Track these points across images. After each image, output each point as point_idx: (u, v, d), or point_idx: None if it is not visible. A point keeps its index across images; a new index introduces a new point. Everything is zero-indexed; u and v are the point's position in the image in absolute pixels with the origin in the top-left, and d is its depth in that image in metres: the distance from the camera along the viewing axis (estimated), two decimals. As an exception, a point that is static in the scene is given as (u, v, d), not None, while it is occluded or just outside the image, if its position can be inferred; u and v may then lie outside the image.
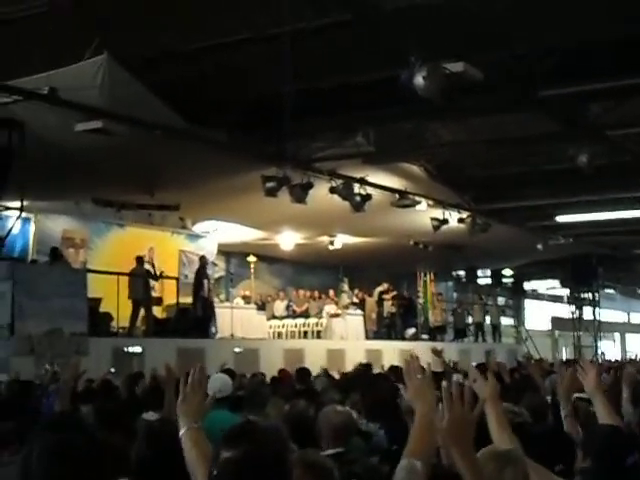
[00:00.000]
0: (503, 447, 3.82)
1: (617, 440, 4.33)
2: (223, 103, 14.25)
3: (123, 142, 13.23)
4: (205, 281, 20.75)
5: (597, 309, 38.03)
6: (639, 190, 20.74)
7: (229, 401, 7.65)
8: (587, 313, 38.07)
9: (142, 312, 19.34)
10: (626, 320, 47.82)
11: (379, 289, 27.53)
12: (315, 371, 14.54)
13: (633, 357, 25.40)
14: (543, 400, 7.33)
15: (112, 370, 12.95)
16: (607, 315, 41.15)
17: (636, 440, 4.42)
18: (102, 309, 18.33)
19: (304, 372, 12.64)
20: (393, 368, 14.71)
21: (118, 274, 19.00)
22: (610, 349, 41.26)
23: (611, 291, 43.08)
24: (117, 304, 18.59)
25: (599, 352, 36.09)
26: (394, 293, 27.69)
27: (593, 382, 5.00)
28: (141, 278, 19.36)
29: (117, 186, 17.55)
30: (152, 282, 20.14)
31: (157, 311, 20.79)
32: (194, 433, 3.84)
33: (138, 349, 17.41)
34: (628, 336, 47.60)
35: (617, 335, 46.91)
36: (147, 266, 19.73)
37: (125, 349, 17.34)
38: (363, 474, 4.06)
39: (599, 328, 38.37)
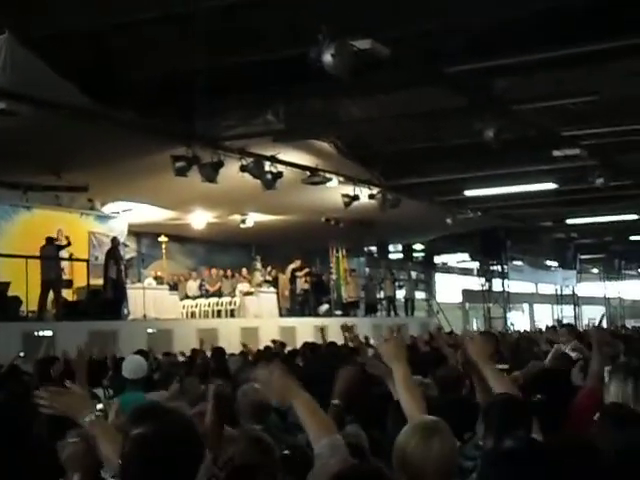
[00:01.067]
0: (426, 418, 3.87)
1: (509, 411, 4.41)
2: (131, 82, 14.05)
3: (28, 123, 12.98)
4: (117, 262, 20.52)
5: (506, 281, 38.80)
6: (545, 163, 21.11)
7: (144, 382, 7.62)
8: (496, 285, 38.82)
9: (52, 295, 19.06)
10: (534, 291, 48.86)
11: (292, 266, 27.60)
12: (230, 350, 14.54)
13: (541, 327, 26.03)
14: (453, 372, 7.42)
15: (21, 354, 12.70)
16: (516, 287, 42.00)
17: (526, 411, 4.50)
18: (10, 293, 18.01)
19: (219, 351, 12.64)
20: (306, 344, 14.83)
21: (27, 257, 18.67)
22: (519, 320, 42.13)
23: (519, 263, 43.94)
24: (26, 288, 18.30)
25: (509, 323, 36.90)
26: (307, 270, 27.78)
27: (478, 352, 5.03)
28: (52, 260, 19.05)
29: (23, 168, 17.24)
30: (62, 264, 19.87)
31: (67, 294, 20.50)
32: (97, 421, 3.79)
33: (49, 333, 17.15)
34: (536, 306, 48.69)
35: (526, 306, 47.92)
36: (58, 243, 19.50)
37: (35, 333, 17.05)
38: (293, 451, 4.10)
39: (508, 299, 39.18)
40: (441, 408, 4.61)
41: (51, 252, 19.24)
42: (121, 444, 3.04)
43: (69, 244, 19.81)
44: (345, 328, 12.79)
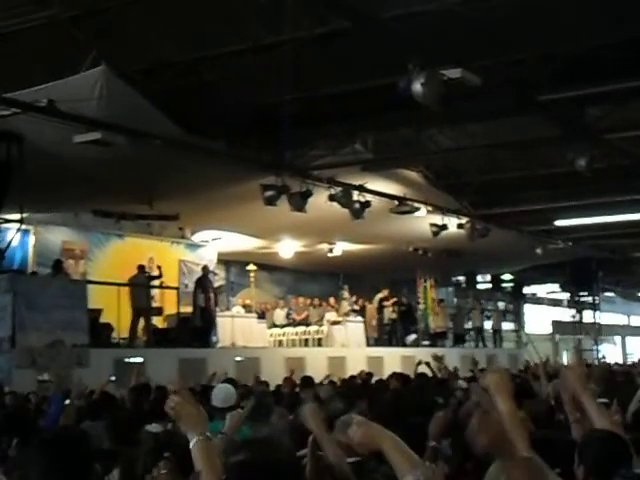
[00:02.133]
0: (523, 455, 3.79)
1: (610, 448, 4.27)
2: (221, 113, 14.23)
3: (121, 153, 13.21)
4: (205, 290, 20.70)
5: (597, 312, 38.05)
6: (637, 193, 20.74)
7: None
8: (587, 316, 38.09)
9: (142, 322, 19.33)
10: (626, 323, 47.81)
11: (379, 296, 27.50)
12: (317, 379, 14.50)
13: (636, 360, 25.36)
14: (544, 405, 7.27)
15: (112, 379, 12.87)
16: (607, 318, 41.15)
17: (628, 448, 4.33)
18: (102, 320, 18.31)
19: (308, 380, 12.61)
20: (394, 374, 14.71)
21: (119, 285, 19.00)
22: (611, 352, 41.24)
23: (611, 294, 43.08)
24: (117, 315, 18.59)
25: (600, 355, 36.12)
26: (394, 299, 27.65)
27: (578, 378, 4.83)
28: (142, 287, 19.36)
29: (116, 197, 17.55)
30: (153, 292, 20.17)
31: (157, 321, 20.77)
32: (202, 444, 3.82)
33: (139, 359, 17.37)
34: (629, 339, 47.61)
35: (618, 338, 46.91)
36: (149, 271, 19.83)
37: (126, 359, 17.29)
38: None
39: (599, 331, 38.38)
40: (535, 443, 4.51)
41: (142, 280, 19.56)
42: (219, 471, 3.05)
43: (161, 275, 20.13)
44: (435, 358, 12.68)
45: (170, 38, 11.96)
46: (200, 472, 3.73)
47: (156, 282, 20.38)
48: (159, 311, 20.94)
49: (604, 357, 35.19)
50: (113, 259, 22.20)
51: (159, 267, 20.19)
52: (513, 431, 4.16)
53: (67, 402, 7.32)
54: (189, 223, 22.77)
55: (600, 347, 38.02)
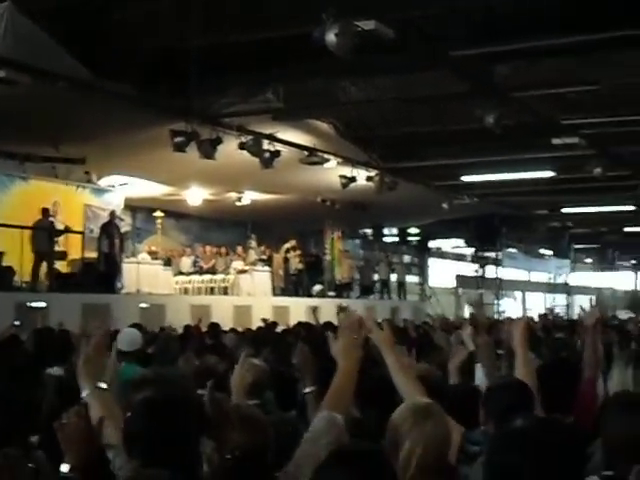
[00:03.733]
0: (420, 400, 3.86)
1: (512, 395, 4.42)
2: (131, 55, 13.99)
3: (26, 93, 12.91)
4: (110, 236, 20.45)
5: (499, 268, 38.85)
6: (543, 151, 21.11)
7: (138, 356, 7.62)
8: (490, 272, 38.88)
9: (45, 267, 19.03)
10: (527, 278, 48.94)
11: (286, 246, 27.57)
12: (223, 328, 14.55)
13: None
14: (444, 355, 7.45)
15: (16, 323, 12.70)
16: (509, 274, 42.04)
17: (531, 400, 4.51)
18: (4, 263, 17.99)
19: (215, 328, 12.63)
20: (301, 324, 14.86)
21: (22, 227, 18.63)
22: (511, 307, 42.21)
23: (513, 250, 43.98)
24: (20, 258, 18.28)
25: (500, 309, 36.99)
26: (300, 251, 27.76)
27: (521, 336, 5.13)
28: (45, 232, 19.02)
29: (21, 138, 17.18)
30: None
31: (61, 266, 20.47)
32: (100, 393, 3.81)
33: (42, 304, 17.12)
34: (528, 294, 48.76)
35: (518, 293, 48.00)
36: (53, 215, 19.49)
37: (28, 304, 17.02)
38: (279, 424, 4.09)
39: (501, 286, 39.25)
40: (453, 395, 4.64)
41: (46, 225, 19.21)
42: (118, 418, 3.05)
43: (66, 230, 19.87)
44: (340, 309, 12.84)
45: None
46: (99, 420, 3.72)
47: (60, 226, 20.04)
48: (63, 255, 20.61)
49: (504, 311, 36.02)
50: (16, 202, 21.69)
51: (67, 228, 19.92)
52: (400, 377, 4.24)
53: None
54: (96, 167, 22.38)
55: (501, 302, 38.89)
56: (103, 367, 3.97)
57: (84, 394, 3.82)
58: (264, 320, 17.44)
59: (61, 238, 20.52)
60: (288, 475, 3.34)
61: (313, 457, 3.32)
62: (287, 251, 27.48)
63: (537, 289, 49.08)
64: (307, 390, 4.75)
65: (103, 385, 3.84)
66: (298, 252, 27.65)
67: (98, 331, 4.07)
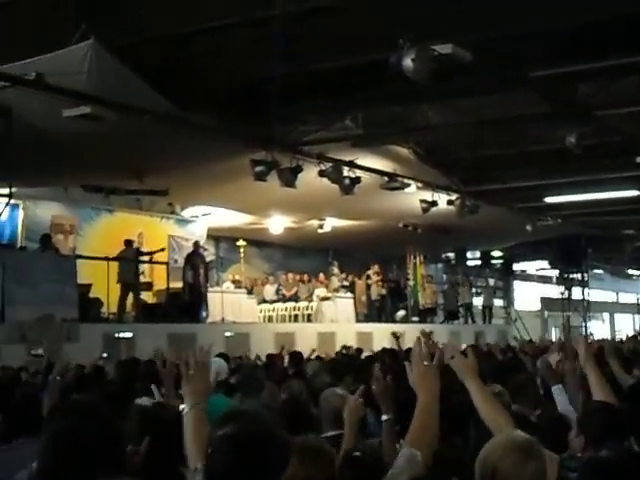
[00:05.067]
0: (518, 435, 3.75)
1: (611, 420, 4.34)
2: (212, 87, 14.17)
3: (111, 128, 13.15)
4: (194, 266, 20.68)
5: (586, 289, 38.18)
6: (627, 170, 20.77)
7: (225, 385, 7.67)
8: (576, 293, 38.24)
9: (131, 298, 19.33)
10: (615, 300, 47.99)
11: (369, 272, 27.55)
12: (306, 355, 14.56)
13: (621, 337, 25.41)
14: (529, 379, 7.31)
15: (104, 355, 12.92)
16: (596, 295, 41.28)
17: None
18: (92, 295, 18.32)
19: (297, 355, 12.64)
20: (385, 350, 14.78)
21: (108, 259, 18.97)
22: (599, 329, 41.44)
23: (600, 271, 43.21)
24: (107, 289, 18.60)
25: (588, 332, 36.28)
26: (381, 276, 27.71)
27: (585, 354, 5.04)
28: (130, 262, 19.34)
29: (106, 172, 17.49)
30: (142, 267, 20.17)
31: (147, 296, 20.77)
32: (197, 413, 3.85)
33: (129, 334, 17.39)
34: (617, 316, 47.81)
35: (606, 315, 47.10)
36: (138, 246, 19.88)
37: (116, 334, 17.31)
38: (365, 453, 4.07)
39: (588, 308, 38.54)
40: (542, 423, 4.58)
41: (130, 255, 19.54)
42: (204, 442, 3.06)
43: (155, 252, 20.23)
44: (424, 334, 12.71)
45: (161, 11, 11.85)
46: (186, 439, 3.76)
47: (145, 257, 20.38)
48: (148, 286, 20.94)
49: (592, 334, 35.35)
50: (102, 234, 22.16)
51: (152, 258, 20.28)
52: (486, 406, 4.17)
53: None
54: (179, 198, 22.72)
55: (588, 324, 38.19)
56: (206, 386, 4.02)
57: (184, 412, 3.87)
58: (345, 347, 17.41)
59: (146, 269, 20.86)
60: None
61: None
62: (368, 277, 27.46)
63: (625, 310, 48.08)
64: (384, 418, 4.73)
65: (203, 405, 3.89)
66: (380, 277, 27.60)
67: (201, 352, 4.14)
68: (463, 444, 4.99)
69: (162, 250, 21.47)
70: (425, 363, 3.85)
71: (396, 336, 12.75)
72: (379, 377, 5.00)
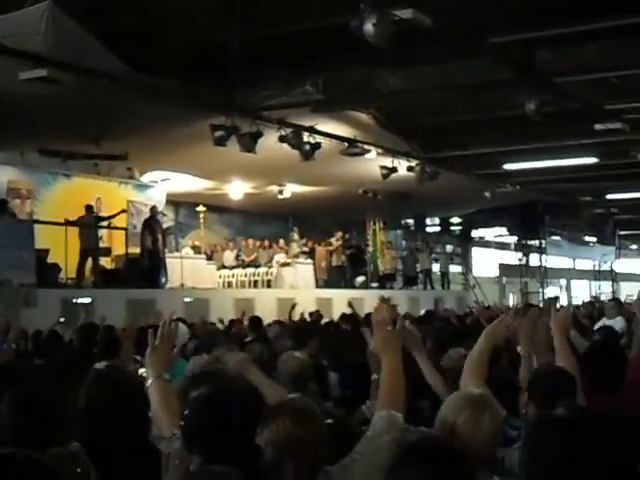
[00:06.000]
0: (472, 392, 3.83)
1: (556, 382, 4.41)
2: (170, 51, 14.05)
3: (68, 91, 12.99)
4: (153, 232, 20.57)
5: (543, 256, 38.55)
6: (586, 137, 20.90)
7: (184, 350, 7.66)
8: (534, 260, 38.59)
9: (90, 263, 19.19)
10: (572, 266, 48.53)
11: (332, 240, 27.59)
12: (266, 320, 14.57)
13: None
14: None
15: (61, 320, 12.83)
16: (553, 262, 41.72)
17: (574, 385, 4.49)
18: (50, 260, 18.17)
19: (257, 320, 12.66)
20: (344, 316, 14.84)
21: (67, 224, 18.80)
22: (556, 295, 41.89)
23: (557, 238, 43.62)
24: (65, 255, 18.46)
25: (545, 298, 36.66)
26: (341, 243, 27.75)
27: (562, 323, 5.10)
28: (90, 228, 19.18)
29: (63, 136, 17.32)
30: (100, 232, 20.03)
31: (105, 262, 20.65)
32: (162, 383, 3.86)
33: (87, 300, 17.28)
34: (574, 282, 48.37)
35: (563, 281, 47.63)
36: (97, 212, 19.73)
37: (74, 300, 17.19)
38: (335, 421, 4.12)
39: (546, 274, 38.94)
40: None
41: (90, 220, 19.38)
42: (177, 412, 3.08)
43: (113, 216, 20.09)
44: (383, 300, 12.76)
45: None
46: (155, 410, 3.76)
47: (104, 222, 20.23)
48: (107, 252, 20.79)
49: (558, 298, 35.70)
50: (60, 199, 21.95)
51: (110, 223, 20.21)
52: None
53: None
54: (138, 163, 22.55)
55: (546, 290, 38.60)
56: (170, 358, 4.03)
57: (148, 382, 3.88)
58: (310, 314, 17.47)
59: (105, 234, 20.71)
60: (345, 468, 3.33)
61: (374, 454, 3.35)
62: (330, 244, 27.50)
63: (582, 277, 48.65)
64: (374, 377, 4.78)
65: (167, 376, 3.90)
66: (342, 243, 27.66)
67: (167, 322, 4.14)
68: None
69: (124, 212, 21.34)
70: (389, 328, 3.88)
71: (384, 299, 12.79)
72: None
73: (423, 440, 3.35)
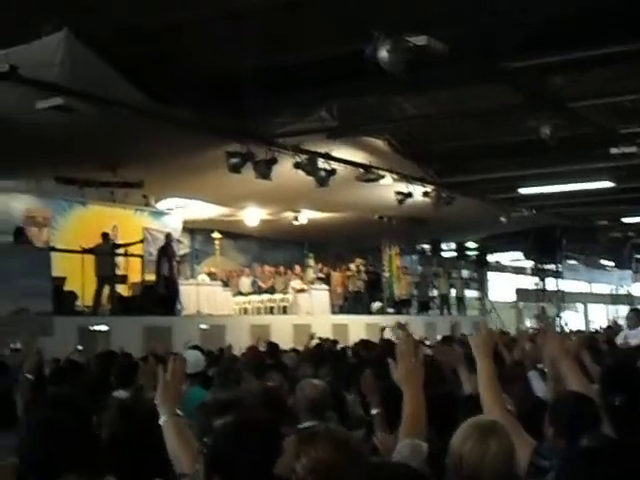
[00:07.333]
0: (482, 418, 3.82)
1: (581, 410, 4.35)
2: (187, 80, 14.12)
3: (85, 119, 13.06)
4: (169, 259, 20.62)
5: (560, 280, 38.39)
6: (601, 161, 20.87)
7: (201, 378, 7.65)
8: (550, 284, 38.43)
9: (107, 290, 19.24)
10: (588, 290, 48.29)
11: (352, 266, 27.62)
12: (283, 347, 14.54)
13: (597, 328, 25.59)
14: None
15: (79, 348, 12.87)
16: (570, 286, 41.53)
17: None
18: (66, 288, 18.22)
19: (274, 346, 12.63)
20: (362, 342, 14.82)
21: (83, 252, 18.87)
22: (573, 319, 41.67)
23: (574, 262, 43.45)
24: (82, 283, 18.52)
25: (562, 322, 36.48)
26: (360, 269, 27.76)
27: (559, 347, 5.02)
28: (107, 255, 19.24)
29: (79, 164, 17.38)
30: (117, 260, 20.09)
31: (122, 289, 20.69)
32: (177, 421, 3.86)
33: (104, 327, 17.32)
34: (590, 306, 48.09)
35: (580, 305, 47.37)
36: (113, 239, 19.81)
37: (91, 328, 17.23)
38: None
39: (562, 299, 38.76)
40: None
41: (107, 248, 19.45)
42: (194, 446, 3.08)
43: (129, 244, 20.17)
44: (399, 326, 12.77)
45: (136, 4, 11.81)
46: (171, 448, 3.76)
47: (121, 250, 20.30)
48: (123, 279, 20.85)
49: (567, 324, 35.55)
50: (76, 227, 22.05)
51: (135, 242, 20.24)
52: (488, 389, 4.25)
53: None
54: (153, 191, 22.62)
55: (562, 314, 38.41)
56: (180, 392, 4.03)
57: (161, 420, 3.87)
58: (321, 339, 17.41)
59: (121, 262, 20.76)
60: None
61: None
62: (348, 269, 27.52)
63: (599, 301, 48.38)
64: (374, 412, 4.76)
65: (180, 412, 3.90)
66: (360, 269, 27.67)
67: (176, 358, 4.15)
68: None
69: (141, 242, 21.41)
70: (412, 360, 3.94)
71: (401, 325, 12.76)
72: (366, 374, 5.10)
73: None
